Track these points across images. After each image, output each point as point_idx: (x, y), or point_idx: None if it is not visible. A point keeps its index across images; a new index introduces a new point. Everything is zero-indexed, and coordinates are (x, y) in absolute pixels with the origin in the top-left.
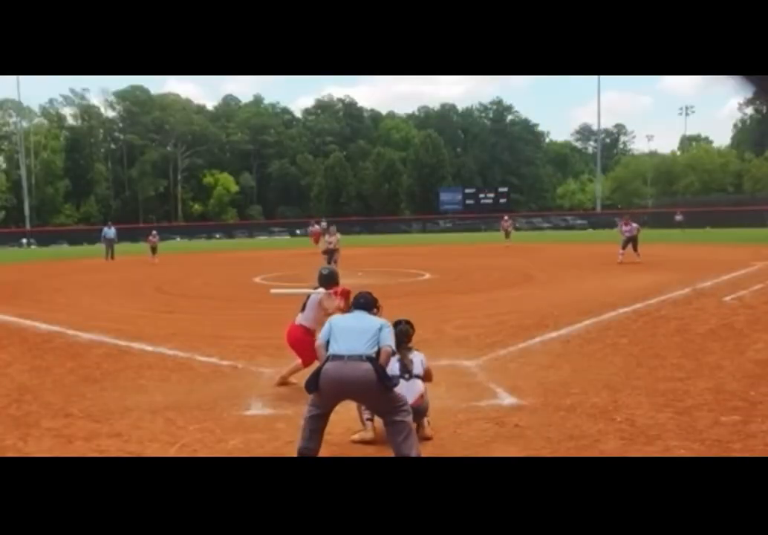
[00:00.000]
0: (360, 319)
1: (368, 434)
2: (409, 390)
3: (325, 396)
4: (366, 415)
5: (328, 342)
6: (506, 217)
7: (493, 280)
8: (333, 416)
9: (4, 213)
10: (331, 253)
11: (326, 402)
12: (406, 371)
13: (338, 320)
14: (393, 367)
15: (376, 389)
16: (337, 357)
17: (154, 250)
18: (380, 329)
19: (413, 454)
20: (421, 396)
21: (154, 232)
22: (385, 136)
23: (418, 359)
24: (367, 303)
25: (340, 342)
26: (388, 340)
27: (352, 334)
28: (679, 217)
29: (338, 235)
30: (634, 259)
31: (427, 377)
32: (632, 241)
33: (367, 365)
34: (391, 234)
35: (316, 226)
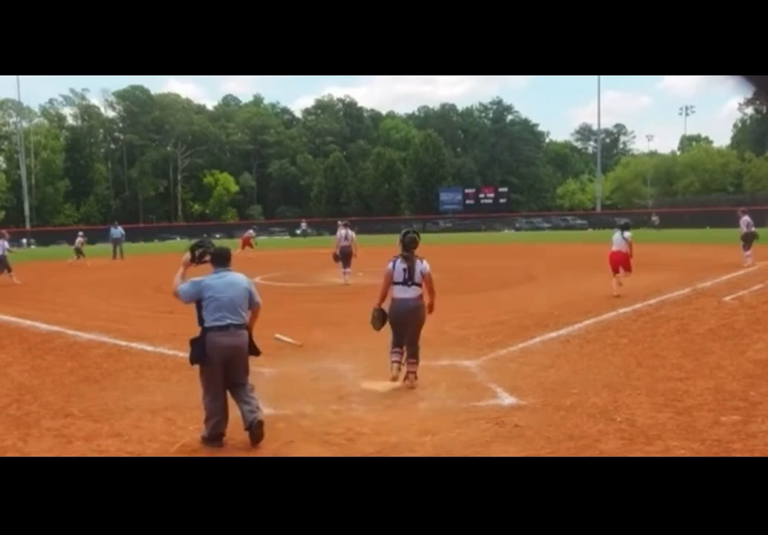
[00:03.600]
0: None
1: (394, 372)
2: (407, 292)
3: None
4: (394, 357)
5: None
6: (251, 231)
7: (493, 280)
8: (332, 416)
9: (4, 213)
10: (346, 258)
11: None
12: (410, 277)
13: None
14: (398, 273)
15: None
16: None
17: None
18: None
19: None
20: (420, 297)
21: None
22: (385, 136)
23: (419, 269)
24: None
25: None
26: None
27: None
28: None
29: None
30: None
31: (428, 284)
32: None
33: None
34: (391, 234)
35: (250, 231)
